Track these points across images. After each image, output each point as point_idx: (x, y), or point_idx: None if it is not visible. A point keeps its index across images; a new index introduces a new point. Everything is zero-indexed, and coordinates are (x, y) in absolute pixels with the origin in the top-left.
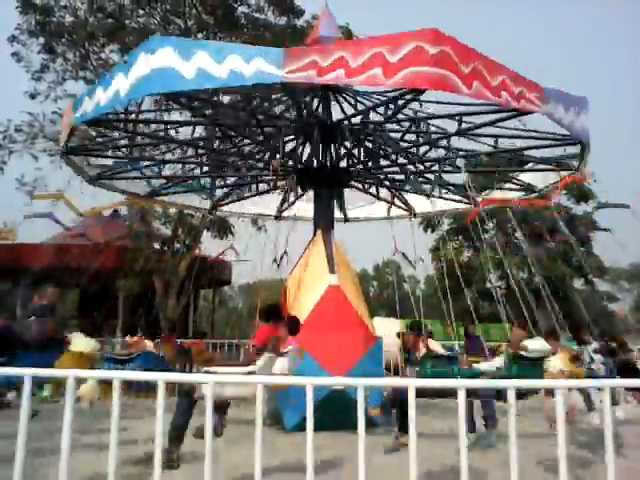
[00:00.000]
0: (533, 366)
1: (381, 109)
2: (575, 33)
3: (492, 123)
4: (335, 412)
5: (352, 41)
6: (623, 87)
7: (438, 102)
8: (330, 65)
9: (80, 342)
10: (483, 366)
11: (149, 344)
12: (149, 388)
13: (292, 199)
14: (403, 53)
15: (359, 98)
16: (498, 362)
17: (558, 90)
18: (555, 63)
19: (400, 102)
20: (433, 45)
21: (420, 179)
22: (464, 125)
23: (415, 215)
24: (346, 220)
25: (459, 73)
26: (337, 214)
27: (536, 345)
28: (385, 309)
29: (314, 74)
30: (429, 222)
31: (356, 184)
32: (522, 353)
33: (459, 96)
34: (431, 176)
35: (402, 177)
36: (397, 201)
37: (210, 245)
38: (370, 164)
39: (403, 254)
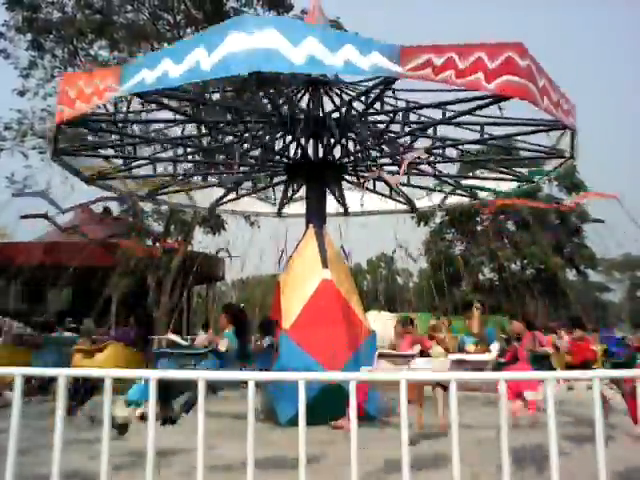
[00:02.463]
0: None
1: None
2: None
3: (474, 110)
4: (330, 406)
5: (456, 44)
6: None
7: (413, 90)
8: (443, 65)
9: None
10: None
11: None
12: None
13: (290, 195)
14: (500, 60)
15: (347, 91)
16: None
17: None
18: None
19: (376, 91)
20: (522, 57)
21: (414, 170)
22: (449, 114)
23: (417, 210)
24: (346, 213)
25: (538, 87)
26: (335, 208)
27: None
28: (379, 303)
29: (430, 72)
30: (422, 216)
31: (350, 178)
32: None
33: (440, 85)
34: (426, 167)
35: (395, 169)
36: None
37: (203, 241)
38: (359, 156)
39: (402, 247)
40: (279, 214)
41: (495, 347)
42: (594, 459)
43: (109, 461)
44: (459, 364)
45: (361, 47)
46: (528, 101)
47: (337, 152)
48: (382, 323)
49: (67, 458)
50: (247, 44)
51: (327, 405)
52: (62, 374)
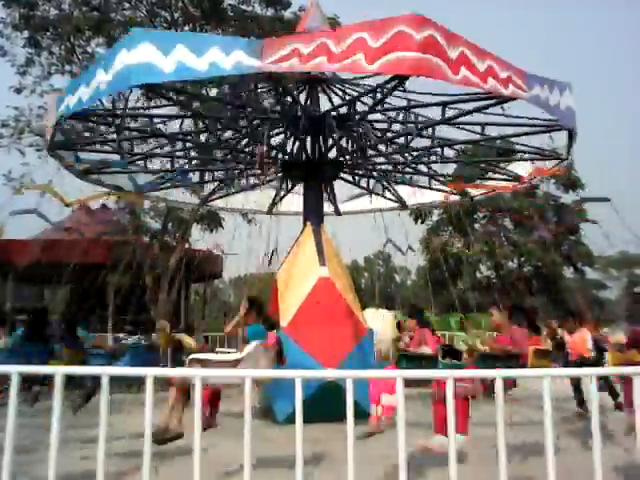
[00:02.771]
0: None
1: (370, 101)
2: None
3: (476, 111)
4: (328, 404)
5: (336, 28)
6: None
7: (425, 93)
8: (312, 52)
9: None
10: None
11: None
12: None
13: (282, 193)
14: (386, 38)
15: (348, 89)
16: None
17: (539, 76)
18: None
19: (385, 90)
20: (419, 30)
21: (409, 169)
22: (450, 114)
23: (406, 207)
24: (338, 214)
25: (446, 59)
26: (328, 208)
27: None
28: (376, 300)
29: (297, 62)
30: (419, 213)
31: (346, 176)
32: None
33: (447, 86)
34: (422, 168)
35: (391, 168)
36: (387, 193)
37: (201, 238)
38: (356, 155)
39: (391, 241)
40: (270, 212)
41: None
42: (590, 455)
43: (106, 460)
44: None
45: (226, 48)
46: (430, 77)
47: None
48: (379, 320)
49: (65, 457)
50: (129, 60)
51: (325, 403)
52: (59, 372)
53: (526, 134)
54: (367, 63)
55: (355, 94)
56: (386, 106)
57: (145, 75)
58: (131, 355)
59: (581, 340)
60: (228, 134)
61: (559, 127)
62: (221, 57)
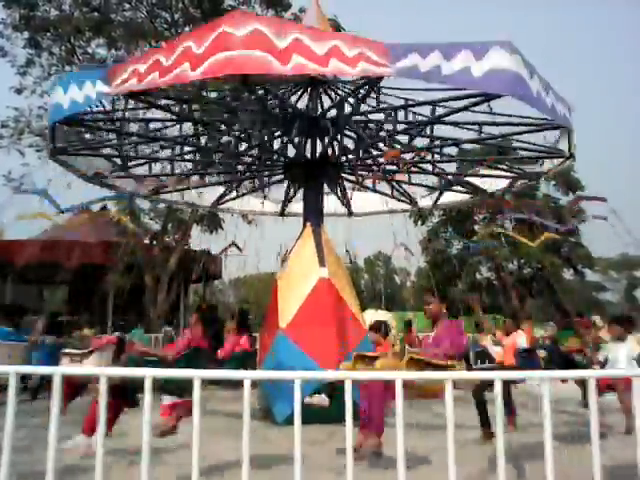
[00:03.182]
0: None
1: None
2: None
3: (464, 109)
4: (328, 405)
5: (168, 42)
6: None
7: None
8: (147, 70)
9: None
10: None
11: None
12: None
13: (291, 194)
14: (210, 41)
15: (347, 90)
16: None
17: (430, 43)
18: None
19: (363, 92)
20: (240, 27)
21: (413, 168)
22: (444, 113)
23: (416, 204)
24: (350, 214)
25: (273, 50)
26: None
27: None
28: (376, 302)
29: (135, 82)
30: (420, 214)
31: (348, 176)
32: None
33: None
34: (426, 166)
35: (394, 168)
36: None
37: (201, 240)
38: (352, 156)
39: (404, 245)
40: (282, 213)
41: None
42: (589, 458)
43: (105, 459)
44: None
45: (93, 79)
46: (256, 72)
47: (337, 152)
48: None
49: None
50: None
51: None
52: (57, 373)
53: (519, 133)
54: (191, 71)
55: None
56: (382, 105)
57: (58, 113)
58: None
59: (511, 344)
60: (227, 136)
61: (551, 123)
62: (90, 89)
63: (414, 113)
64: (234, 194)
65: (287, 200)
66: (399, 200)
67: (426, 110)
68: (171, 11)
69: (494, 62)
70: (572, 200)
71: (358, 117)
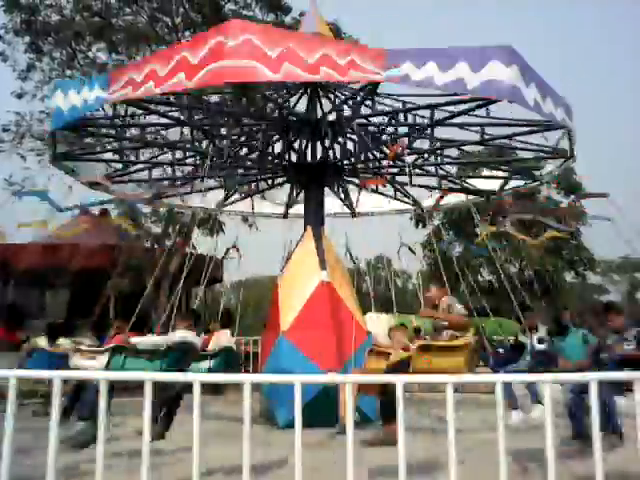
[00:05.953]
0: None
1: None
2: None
3: (463, 113)
4: (328, 408)
5: (163, 52)
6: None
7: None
8: (142, 80)
9: None
10: None
11: None
12: None
13: (294, 196)
14: (204, 52)
15: (348, 93)
16: None
17: (430, 49)
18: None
19: (366, 95)
20: (234, 37)
21: (417, 171)
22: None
23: (422, 209)
24: (353, 216)
25: (264, 59)
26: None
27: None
28: (377, 304)
29: (130, 90)
30: (420, 217)
31: (349, 179)
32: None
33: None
34: (431, 168)
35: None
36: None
37: (202, 243)
38: (353, 159)
39: (408, 246)
40: (285, 215)
41: None
42: (591, 462)
43: (104, 461)
44: None
45: (90, 86)
46: (248, 80)
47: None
48: (380, 324)
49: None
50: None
51: (325, 407)
52: (56, 376)
53: (517, 134)
54: (187, 80)
55: (357, 98)
56: (385, 109)
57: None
58: None
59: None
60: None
61: (548, 124)
62: (88, 94)
63: (415, 115)
64: (237, 196)
65: (290, 202)
66: (402, 201)
67: (427, 112)
68: (172, 16)
69: (490, 74)
70: (574, 197)
71: (358, 120)
